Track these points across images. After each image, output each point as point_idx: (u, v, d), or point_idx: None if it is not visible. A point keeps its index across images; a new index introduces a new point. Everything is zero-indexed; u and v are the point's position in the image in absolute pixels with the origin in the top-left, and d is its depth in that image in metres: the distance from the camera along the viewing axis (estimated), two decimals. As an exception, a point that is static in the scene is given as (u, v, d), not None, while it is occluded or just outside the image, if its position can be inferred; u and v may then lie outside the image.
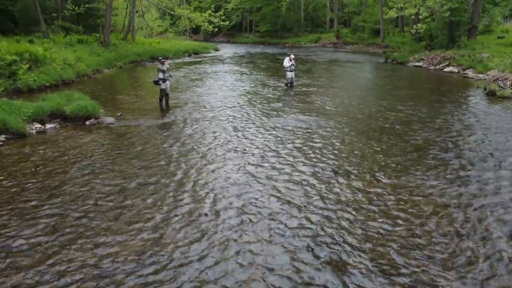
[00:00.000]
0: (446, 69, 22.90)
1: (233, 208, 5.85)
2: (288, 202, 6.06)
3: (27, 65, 15.61)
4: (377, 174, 7.20)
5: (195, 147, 8.64)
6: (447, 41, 28.12)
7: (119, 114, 11.45)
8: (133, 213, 5.66)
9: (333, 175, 7.14)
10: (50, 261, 4.51)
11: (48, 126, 9.88)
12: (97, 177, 6.91)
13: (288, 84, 17.15)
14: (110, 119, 10.64)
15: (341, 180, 6.95)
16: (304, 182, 6.82)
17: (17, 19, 24.80)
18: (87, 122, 10.35)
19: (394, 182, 6.86)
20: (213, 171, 7.31)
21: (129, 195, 6.24)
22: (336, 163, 7.78)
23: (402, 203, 6.09)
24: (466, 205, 6.02)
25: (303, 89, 16.74)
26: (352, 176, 7.12)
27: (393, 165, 7.69)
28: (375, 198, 6.25)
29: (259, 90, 16.40)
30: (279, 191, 6.45)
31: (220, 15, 25.92)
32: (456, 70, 22.04)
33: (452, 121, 11.24)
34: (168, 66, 12.61)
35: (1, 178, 6.83)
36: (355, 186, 6.70)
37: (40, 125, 9.81)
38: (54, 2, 27.62)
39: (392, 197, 6.29)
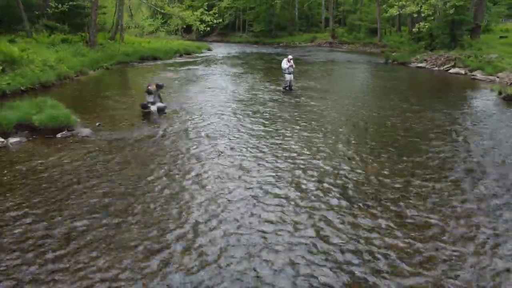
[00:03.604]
0: (452, 70, 21.74)
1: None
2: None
3: (0, 67, 14.18)
4: (400, 203, 5.95)
5: (183, 168, 7.32)
6: (449, 41, 27.00)
7: (97, 124, 10.04)
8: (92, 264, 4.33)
9: (345, 204, 5.86)
10: None
11: (11, 140, 8.47)
12: (57, 209, 5.56)
13: (287, 88, 15.84)
14: (86, 131, 9.24)
15: (357, 211, 5.67)
16: (317, 214, 5.54)
17: (-1, 17, 23.25)
18: (59, 135, 8.94)
19: (423, 211, 5.61)
20: (204, 200, 6.00)
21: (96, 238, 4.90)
22: (348, 189, 6.51)
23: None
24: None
25: (303, 94, 15.44)
26: (371, 205, 5.85)
27: (418, 189, 6.44)
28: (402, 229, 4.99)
29: (256, 94, 15.07)
30: (282, 224, 5.16)
31: (214, 13, 24.62)
32: (462, 72, 20.89)
33: (474, 132, 10.03)
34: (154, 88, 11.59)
35: None
36: (376, 216, 5.43)
37: (2, 139, 8.41)
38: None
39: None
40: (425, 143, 8.94)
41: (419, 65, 25.05)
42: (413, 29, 27.57)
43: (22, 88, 14.26)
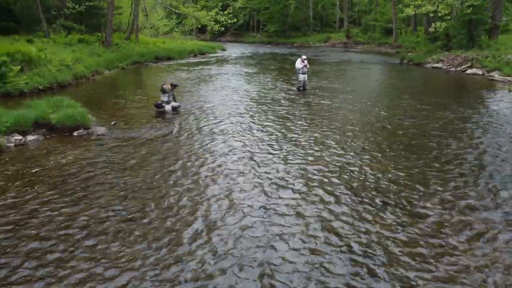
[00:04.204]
0: (469, 71, 21.38)
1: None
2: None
3: (19, 67, 14.44)
4: (419, 209, 5.87)
5: (196, 165, 7.36)
6: (466, 41, 26.58)
7: (112, 123, 10.16)
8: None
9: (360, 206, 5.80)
10: None
11: (29, 138, 8.63)
12: (68, 210, 5.64)
13: (301, 88, 15.79)
14: (102, 130, 9.36)
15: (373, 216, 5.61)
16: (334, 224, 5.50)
17: (19, 18, 23.72)
18: (75, 133, 9.07)
19: (442, 220, 5.52)
20: (215, 194, 6.02)
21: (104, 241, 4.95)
22: (366, 191, 6.45)
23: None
24: None
25: (317, 93, 15.38)
26: (390, 208, 5.79)
27: (433, 188, 6.34)
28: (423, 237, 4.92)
29: (269, 95, 15.05)
30: (301, 234, 5.13)
31: (229, 13, 24.70)
32: (480, 72, 20.51)
33: (491, 133, 9.84)
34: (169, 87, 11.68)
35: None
36: (395, 221, 5.36)
37: (20, 137, 8.57)
38: (57, 0, 26.52)
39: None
40: (440, 143, 8.80)
41: (435, 65, 24.70)
42: (429, 29, 27.17)
43: (40, 87, 14.53)
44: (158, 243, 4.78)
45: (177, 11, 27.23)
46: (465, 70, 21.80)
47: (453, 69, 22.91)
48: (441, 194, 6.25)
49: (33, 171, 6.97)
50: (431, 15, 26.38)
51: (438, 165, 7.49)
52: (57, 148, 8.23)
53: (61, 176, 6.74)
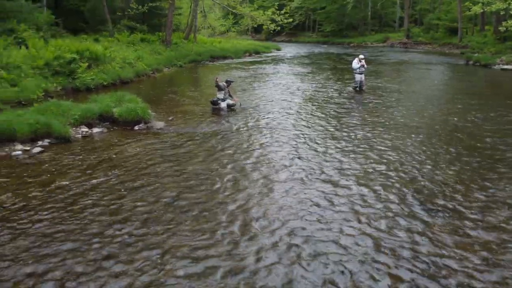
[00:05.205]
0: (544, 73, 19.76)
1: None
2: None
3: (86, 64, 15.37)
4: (476, 210, 5.48)
5: (247, 161, 7.40)
6: (540, 41, 24.60)
7: (170, 118, 10.51)
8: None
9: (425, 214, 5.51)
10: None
11: (94, 130, 9.16)
12: (127, 199, 5.89)
13: (357, 88, 15.37)
14: (160, 124, 9.71)
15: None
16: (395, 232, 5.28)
17: (87, 19, 25.33)
18: (136, 127, 9.49)
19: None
20: (274, 198, 6.00)
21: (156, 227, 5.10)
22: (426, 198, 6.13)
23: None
24: None
25: (373, 93, 14.91)
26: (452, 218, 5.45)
27: (497, 197, 5.90)
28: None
29: (325, 94, 14.81)
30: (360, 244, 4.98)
31: (286, 12, 24.71)
32: (556, 75, 18.89)
33: None
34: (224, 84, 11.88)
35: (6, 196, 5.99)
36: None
37: (87, 129, 9.11)
38: (121, 2, 27.93)
39: None
40: (504, 146, 8.19)
41: (505, 67, 23.01)
42: (499, 28, 25.38)
43: (104, 83, 15.40)
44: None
45: (234, 11, 27.62)
46: (539, 72, 20.16)
47: (525, 70, 21.27)
48: (500, 196, 5.81)
49: (102, 159, 7.43)
50: (502, 13, 24.59)
51: (498, 167, 6.97)
52: (120, 140, 8.66)
53: (126, 164, 7.07)
